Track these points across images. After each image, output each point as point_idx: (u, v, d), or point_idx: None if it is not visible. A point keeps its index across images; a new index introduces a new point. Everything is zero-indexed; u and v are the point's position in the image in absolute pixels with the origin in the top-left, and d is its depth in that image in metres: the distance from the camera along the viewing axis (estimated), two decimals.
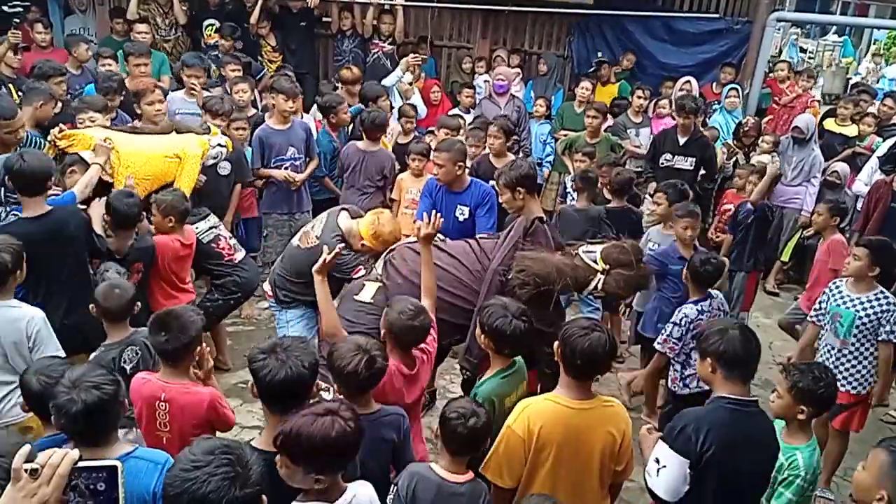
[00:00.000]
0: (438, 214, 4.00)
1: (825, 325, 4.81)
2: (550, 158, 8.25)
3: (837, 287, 4.81)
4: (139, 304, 3.85)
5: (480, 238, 4.52)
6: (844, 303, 4.70)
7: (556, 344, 3.02)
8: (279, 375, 2.65)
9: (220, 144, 5.64)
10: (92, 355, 3.72)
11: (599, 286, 4.18)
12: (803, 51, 16.52)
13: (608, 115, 8.26)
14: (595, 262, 4.17)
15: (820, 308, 4.88)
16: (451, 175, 5.33)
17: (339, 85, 8.10)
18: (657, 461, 2.92)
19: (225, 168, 6.08)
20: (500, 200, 4.77)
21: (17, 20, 7.66)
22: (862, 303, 4.62)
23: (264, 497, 1.97)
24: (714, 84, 9.45)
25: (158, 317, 3.28)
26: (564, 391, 3.01)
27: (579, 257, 4.23)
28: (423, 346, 3.54)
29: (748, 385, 3.04)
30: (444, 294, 4.08)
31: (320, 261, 3.72)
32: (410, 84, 8.28)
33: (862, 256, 4.61)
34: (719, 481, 2.89)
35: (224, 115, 6.17)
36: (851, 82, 13.63)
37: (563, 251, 4.33)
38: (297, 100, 6.55)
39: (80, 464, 1.74)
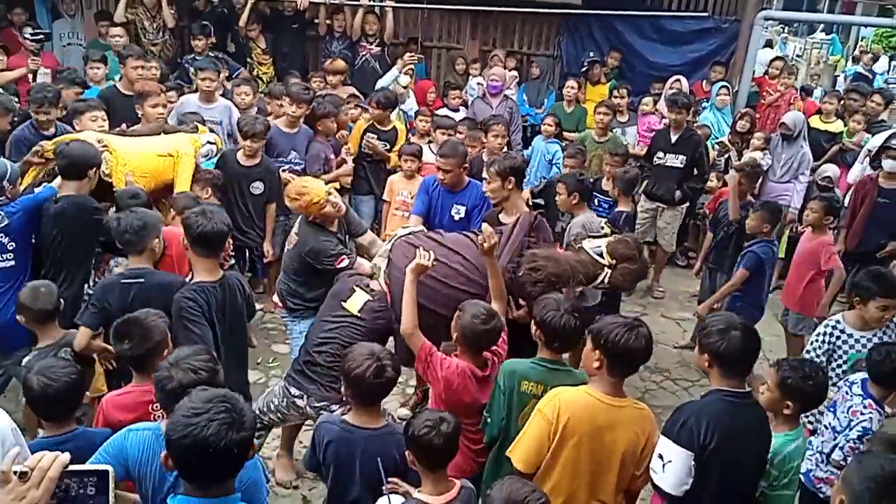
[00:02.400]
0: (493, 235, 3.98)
1: (840, 370, 4.42)
2: None
3: (843, 331, 4.42)
4: (62, 301, 3.90)
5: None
6: (864, 346, 4.32)
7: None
8: (206, 228, 3.63)
9: (209, 142, 5.69)
10: (25, 360, 3.70)
11: (606, 280, 4.29)
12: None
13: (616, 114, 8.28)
14: (601, 255, 4.27)
15: (821, 346, 4.47)
16: (458, 178, 5.35)
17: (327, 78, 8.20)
18: (661, 457, 2.95)
19: (258, 188, 6.15)
20: (486, 188, 4.78)
21: (39, 48, 7.65)
22: (880, 337, 4.39)
23: (255, 442, 2.14)
24: (704, 82, 9.49)
25: (118, 325, 3.27)
26: (599, 386, 3.02)
27: (584, 251, 4.32)
28: (494, 347, 3.59)
29: (744, 379, 3.09)
30: (448, 289, 4.10)
31: (413, 262, 3.80)
32: (405, 87, 8.29)
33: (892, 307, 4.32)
34: (721, 472, 2.93)
35: (256, 135, 6.03)
36: (839, 80, 13.70)
37: (567, 246, 4.40)
38: (303, 107, 6.57)
39: (71, 467, 1.75)
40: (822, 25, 17.82)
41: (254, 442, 2.13)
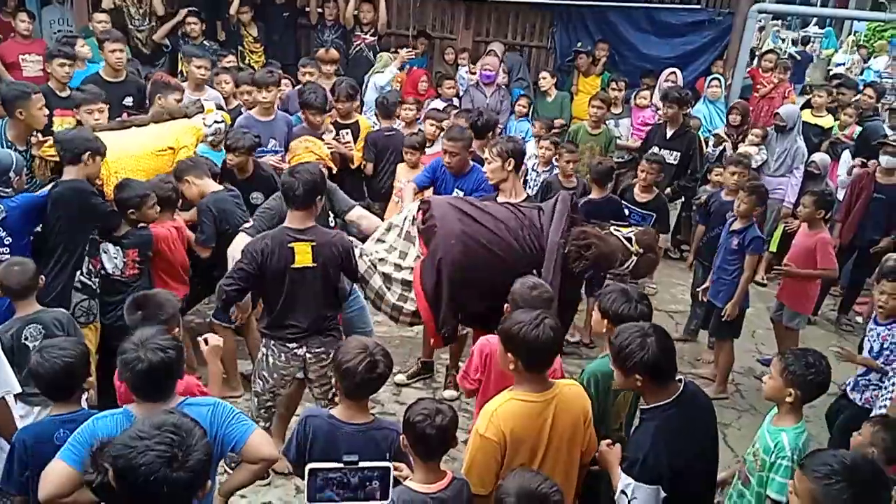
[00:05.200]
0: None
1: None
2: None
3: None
4: (42, 278, 3.96)
5: (521, 205, 4.57)
6: None
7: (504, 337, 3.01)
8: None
9: (216, 122, 5.58)
10: None
11: (630, 267, 4.38)
12: (782, 40, 16.71)
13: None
14: (630, 242, 4.35)
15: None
16: (463, 162, 5.45)
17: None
18: (625, 494, 2.87)
19: (257, 198, 5.67)
20: (486, 169, 4.92)
21: None
22: None
23: (209, 482, 2.03)
24: (707, 77, 9.39)
25: (135, 298, 3.41)
26: (524, 387, 2.98)
27: (615, 236, 4.40)
28: None
29: (675, 377, 2.99)
30: (489, 255, 4.17)
31: None
32: (389, 82, 8.24)
33: None
34: (688, 480, 2.88)
35: (238, 150, 5.53)
36: (832, 73, 13.73)
37: (602, 229, 4.48)
38: (272, 90, 6.40)
39: (361, 464, 2.23)
40: (815, 19, 17.83)
41: (203, 484, 1.99)
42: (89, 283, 4.59)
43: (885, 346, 4.48)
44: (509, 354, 2.95)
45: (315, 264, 4.00)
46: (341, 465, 2.28)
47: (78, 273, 4.54)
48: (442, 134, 6.08)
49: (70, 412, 3.02)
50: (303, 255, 3.97)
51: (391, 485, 2.13)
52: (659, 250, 4.50)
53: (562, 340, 3.06)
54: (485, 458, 2.92)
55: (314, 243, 3.99)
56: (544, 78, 8.80)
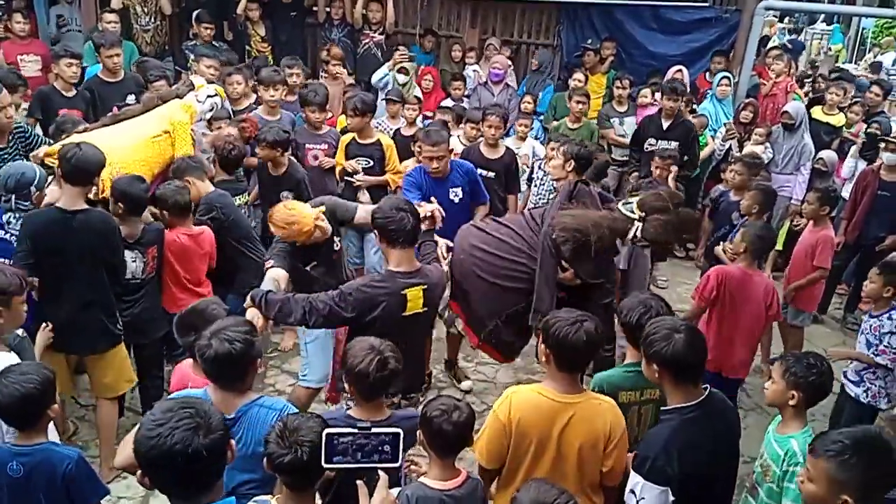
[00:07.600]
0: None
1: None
2: None
3: None
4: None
5: (533, 209, 4.79)
6: None
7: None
8: (80, 156, 3.98)
9: (209, 96, 5.54)
10: None
11: (639, 234, 4.34)
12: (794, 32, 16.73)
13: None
14: (632, 211, 4.34)
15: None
16: (447, 164, 5.35)
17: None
18: (633, 493, 2.84)
19: (287, 197, 5.60)
20: (548, 165, 5.08)
21: (1, 13, 7.61)
22: None
23: (232, 442, 2.09)
24: (707, 73, 9.41)
25: (181, 318, 3.35)
26: (551, 383, 2.99)
27: (618, 210, 4.42)
28: None
29: (699, 384, 2.94)
30: (504, 262, 4.35)
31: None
32: (404, 86, 8.13)
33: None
34: (698, 488, 2.84)
35: (262, 142, 5.58)
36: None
37: (608, 207, 4.52)
38: (279, 89, 6.50)
39: (373, 430, 2.36)
40: (822, 16, 17.76)
41: (229, 443, 2.05)
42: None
43: (878, 336, 4.55)
44: (543, 346, 3.00)
45: (426, 308, 3.66)
46: (355, 431, 2.38)
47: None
48: (419, 141, 5.64)
49: (29, 445, 2.91)
50: (415, 301, 3.57)
51: (401, 449, 2.29)
52: (672, 209, 4.30)
53: (600, 345, 3.02)
54: (492, 434, 2.99)
55: (425, 286, 3.64)
56: (579, 80, 8.64)
